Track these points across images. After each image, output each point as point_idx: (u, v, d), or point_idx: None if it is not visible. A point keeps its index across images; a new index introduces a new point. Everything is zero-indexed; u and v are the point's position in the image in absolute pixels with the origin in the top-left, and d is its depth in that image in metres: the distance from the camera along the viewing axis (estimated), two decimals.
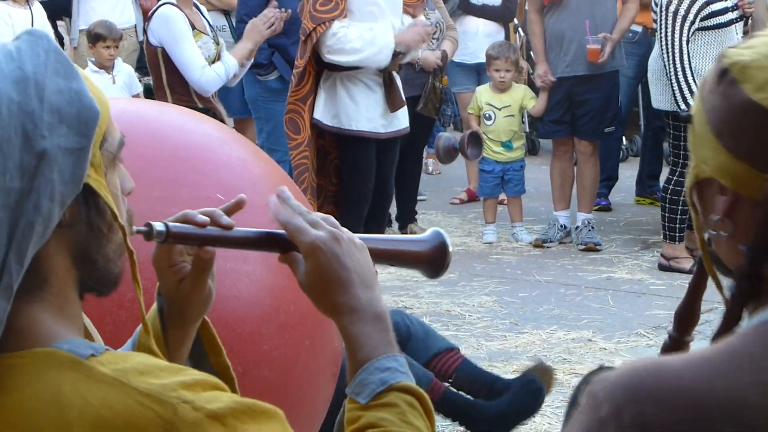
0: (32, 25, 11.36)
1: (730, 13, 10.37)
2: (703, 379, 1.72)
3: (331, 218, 2.34)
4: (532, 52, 12.92)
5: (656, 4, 10.65)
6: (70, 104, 1.96)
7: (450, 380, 6.98)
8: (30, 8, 12.15)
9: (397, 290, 10.07)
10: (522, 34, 14.09)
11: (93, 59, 11.30)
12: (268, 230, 2.38)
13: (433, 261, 2.38)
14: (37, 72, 1.97)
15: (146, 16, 13.66)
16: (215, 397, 1.94)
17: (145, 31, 10.65)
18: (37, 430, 1.92)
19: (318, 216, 2.33)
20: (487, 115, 11.44)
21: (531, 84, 13.09)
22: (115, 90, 10.81)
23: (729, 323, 1.88)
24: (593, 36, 11.01)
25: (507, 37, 13.50)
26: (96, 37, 11.38)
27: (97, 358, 1.95)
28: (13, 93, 1.92)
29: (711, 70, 1.96)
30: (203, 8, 9.73)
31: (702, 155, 1.91)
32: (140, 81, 12.70)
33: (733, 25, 10.47)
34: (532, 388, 6.95)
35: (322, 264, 2.24)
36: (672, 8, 10.38)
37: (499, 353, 8.33)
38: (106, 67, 11.11)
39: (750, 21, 11.18)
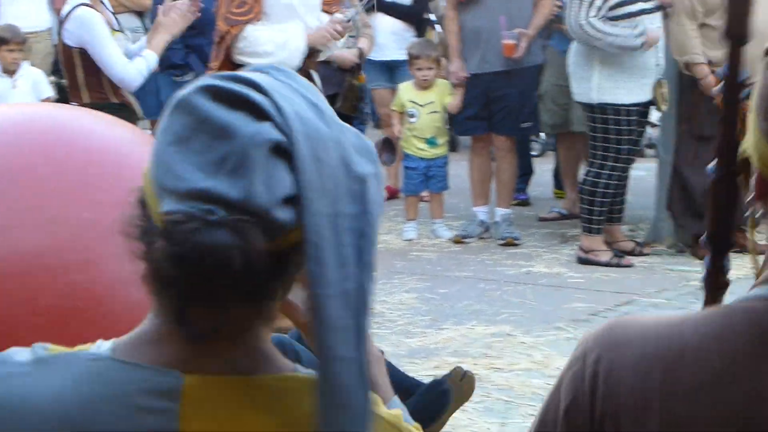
0: None
1: (640, 3, 10.36)
2: (677, 333, 1.88)
3: None
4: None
5: None
6: (362, 143, 2.00)
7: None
8: None
9: None
10: (439, 30, 13.85)
11: None
12: None
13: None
14: (322, 108, 1.99)
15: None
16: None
17: (59, 33, 10.24)
18: None
19: None
20: (410, 113, 11.42)
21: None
22: (17, 95, 10.82)
23: (711, 299, 2.04)
24: (508, 31, 10.91)
25: (421, 34, 13.36)
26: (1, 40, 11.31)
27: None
28: (320, 125, 1.96)
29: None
30: (109, 5, 9.56)
31: (749, 134, 1.89)
32: (58, 82, 12.34)
33: (645, 15, 10.39)
34: (438, 389, 6.79)
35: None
36: None
37: (419, 350, 8.23)
38: (10, 71, 11.04)
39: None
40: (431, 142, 11.41)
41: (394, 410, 2.20)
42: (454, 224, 11.79)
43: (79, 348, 2.00)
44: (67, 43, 9.30)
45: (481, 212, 11.44)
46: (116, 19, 9.57)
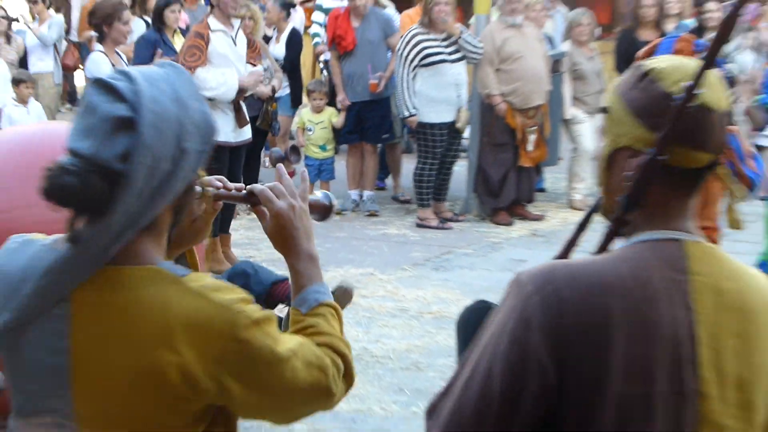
0: None
1: (443, 55, 11.46)
2: (598, 270, 2.21)
3: (293, 188, 2.66)
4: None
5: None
6: (202, 121, 2.36)
7: (287, 299, 6.37)
8: None
9: (244, 245, 10.74)
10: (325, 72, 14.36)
11: (14, 96, 11.38)
12: (248, 191, 2.73)
13: (330, 208, 2.88)
14: (186, 95, 2.34)
15: (65, 68, 15.73)
16: (253, 309, 2.33)
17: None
18: (144, 323, 2.25)
19: (283, 188, 2.65)
20: (308, 129, 12.57)
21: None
22: (29, 118, 11.05)
23: (602, 248, 2.37)
24: (372, 74, 12.13)
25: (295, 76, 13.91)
26: (18, 81, 11.53)
27: (188, 276, 2.32)
28: (173, 108, 2.29)
29: (627, 75, 2.35)
30: (124, 56, 9.90)
31: (619, 131, 2.29)
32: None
33: (443, 64, 11.53)
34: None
35: (280, 224, 2.60)
36: (399, 52, 11.65)
37: None
38: (24, 102, 11.30)
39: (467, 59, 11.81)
40: (322, 148, 12.60)
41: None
42: (339, 200, 11.47)
43: (40, 237, 2.46)
44: (87, 76, 9.88)
45: (353, 194, 12.64)
46: (125, 62, 9.72)
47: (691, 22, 12.80)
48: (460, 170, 12.76)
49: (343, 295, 7.22)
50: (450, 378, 2.22)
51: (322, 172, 12.67)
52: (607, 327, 2.12)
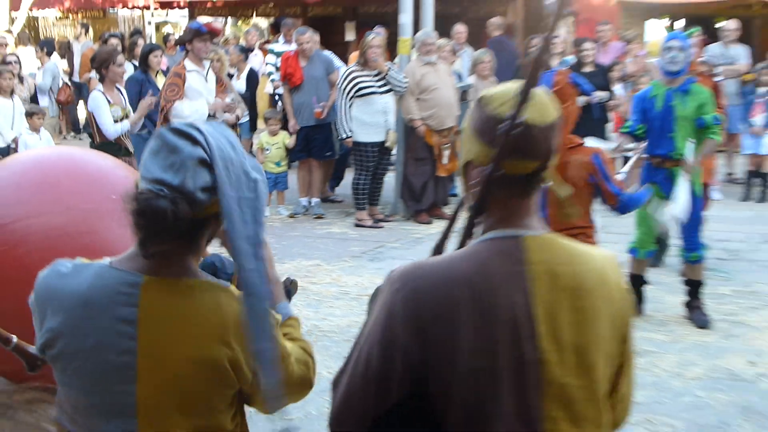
0: (13, 115, 11.16)
1: (374, 89, 11.41)
2: (448, 267, 2.23)
3: None
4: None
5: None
6: (253, 161, 2.40)
7: None
8: (12, 100, 11.29)
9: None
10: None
11: (28, 126, 11.05)
12: None
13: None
14: (235, 145, 2.35)
15: (59, 103, 16.03)
16: (275, 313, 2.39)
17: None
18: (206, 319, 2.29)
19: None
20: (266, 149, 12.50)
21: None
22: (41, 143, 10.85)
23: (460, 245, 2.37)
24: (317, 104, 12.06)
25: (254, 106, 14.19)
26: (31, 113, 11.29)
27: (231, 287, 2.39)
28: (232, 153, 2.31)
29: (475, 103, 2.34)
30: (124, 91, 9.82)
31: (467, 147, 2.30)
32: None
33: (374, 95, 11.44)
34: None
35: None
36: (339, 86, 11.58)
37: None
38: (37, 130, 11.02)
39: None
40: (278, 164, 12.45)
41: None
42: (289, 207, 12.54)
43: (96, 261, 2.40)
44: (88, 109, 9.84)
45: (303, 200, 12.46)
46: (124, 97, 9.74)
47: (571, 58, 13.21)
48: (389, 180, 12.68)
49: (292, 285, 7.27)
50: (347, 355, 2.30)
51: (277, 183, 12.52)
52: (455, 314, 2.15)
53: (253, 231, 2.25)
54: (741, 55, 14.82)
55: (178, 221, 2.19)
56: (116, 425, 2.31)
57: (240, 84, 13.62)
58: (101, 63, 9.71)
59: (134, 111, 9.83)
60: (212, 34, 10.28)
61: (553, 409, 2.17)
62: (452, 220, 2.50)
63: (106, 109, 9.28)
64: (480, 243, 2.24)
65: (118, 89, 9.75)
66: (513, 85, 2.27)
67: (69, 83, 17.34)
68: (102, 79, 9.68)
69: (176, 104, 9.67)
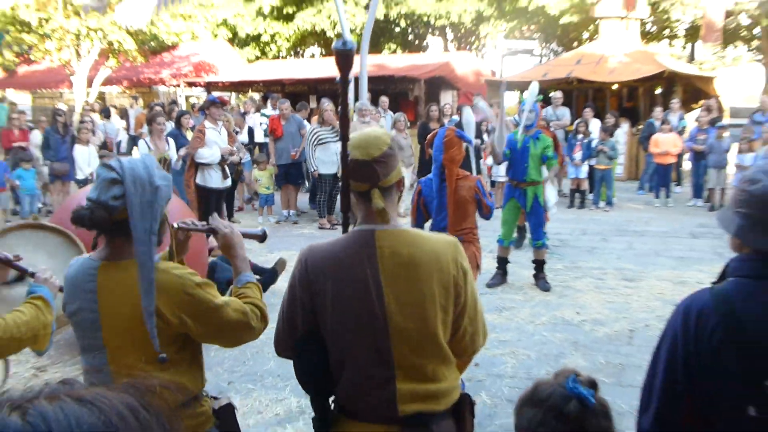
0: (89, 156, 11.15)
1: (329, 139, 11.24)
2: (327, 247, 2.26)
3: (231, 225, 2.58)
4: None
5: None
6: (163, 174, 2.30)
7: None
8: (88, 146, 11.38)
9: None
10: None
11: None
12: (210, 227, 2.56)
13: (264, 236, 2.64)
14: (150, 165, 2.26)
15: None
16: (197, 278, 2.33)
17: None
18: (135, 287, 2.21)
19: (227, 224, 2.57)
20: (258, 179, 12.27)
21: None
22: None
23: (344, 231, 2.39)
24: (292, 149, 12.05)
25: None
26: (102, 156, 10.69)
27: (161, 263, 2.31)
28: (142, 172, 2.23)
29: None
30: (166, 142, 9.69)
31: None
32: None
33: (330, 143, 11.25)
34: (273, 269, 7.42)
35: (227, 241, 2.50)
36: (307, 138, 11.38)
37: (265, 262, 8.38)
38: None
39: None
40: (267, 188, 12.18)
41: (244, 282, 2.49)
42: (275, 216, 12.22)
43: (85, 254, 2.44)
44: (138, 153, 9.26)
45: (284, 212, 12.19)
46: (168, 145, 9.63)
47: (456, 118, 13.13)
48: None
49: (281, 264, 7.41)
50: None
51: (267, 201, 12.33)
52: (327, 276, 2.20)
53: (148, 223, 2.21)
54: (565, 114, 15.11)
55: (97, 222, 2.23)
56: (95, 357, 2.33)
57: (242, 137, 13.34)
58: (149, 121, 9.78)
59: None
60: (222, 103, 10.47)
61: (398, 345, 2.16)
62: (344, 221, 2.55)
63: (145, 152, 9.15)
64: (351, 232, 2.28)
65: (165, 138, 9.77)
66: (363, 134, 2.30)
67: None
68: (150, 132, 9.70)
69: (199, 150, 9.71)
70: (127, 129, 17.02)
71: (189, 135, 10.69)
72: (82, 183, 11.40)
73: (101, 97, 23.93)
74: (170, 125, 11.56)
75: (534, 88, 7.87)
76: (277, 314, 2.36)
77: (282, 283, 7.28)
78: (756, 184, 1.91)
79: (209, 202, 9.73)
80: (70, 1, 18.23)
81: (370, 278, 2.15)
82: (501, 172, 11.15)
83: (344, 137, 2.35)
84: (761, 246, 1.91)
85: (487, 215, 5.35)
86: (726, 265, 2.02)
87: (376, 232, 2.21)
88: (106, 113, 16.90)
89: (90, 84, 20.90)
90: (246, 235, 2.63)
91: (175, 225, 2.56)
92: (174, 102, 16.19)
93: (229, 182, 10.18)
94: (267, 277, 7.13)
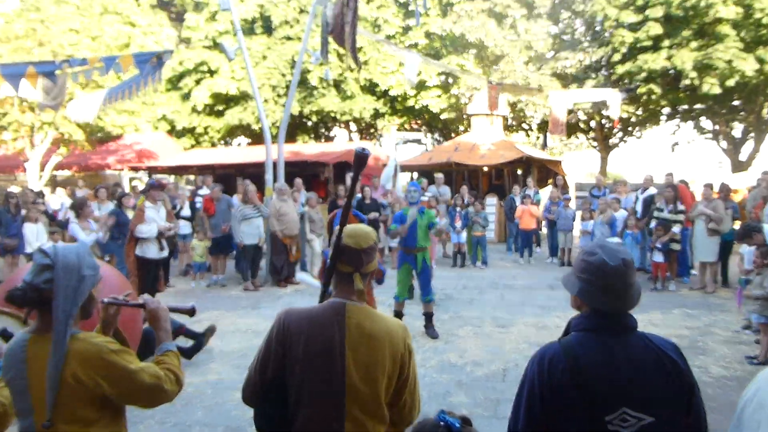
0: (37, 233, 10.23)
1: (252, 215, 10.88)
2: (305, 312, 2.19)
3: (159, 301, 2.43)
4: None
5: None
6: (92, 264, 2.20)
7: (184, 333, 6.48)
8: (36, 224, 10.43)
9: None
10: None
11: (47, 239, 9.94)
12: (136, 302, 2.43)
13: (193, 311, 2.49)
14: (83, 254, 2.20)
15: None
16: (115, 345, 2.17)
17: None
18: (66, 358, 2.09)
19: (155, 300, 2.43)
20: (195, 248, 11.87)
21: None
22: None
23: (320, 301, 2.32)
24: (224, 223, 11.54)
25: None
26: (52, 232, 10.36)
27: (79, 334, 2.16)
28: (74, 260, 2.16)
29: None
30: (94, 224, 9.20)
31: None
32: None
33: (253, 219, 10.86)
34: (200, 336, 6.70)
35: (154, 315, 2.38)
36: (234, 213, 10.96)
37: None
38: (55, 242, 9.21)
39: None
40: (201, 257, 11.62)
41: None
42: (207, 280, 11.60)
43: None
44: (69, 234, 9.19)
45: (214, 277, 11.55)
46: (94, 227, 9.19)
47: (359, 196, 13.11)
48: (262, 263, 12.08)
49: (210, 330, 6.87)
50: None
51: (201, 267, 11.81)
52: (299, 334, 2.15)
53: (69, 307, 2.12)
54: (446, 192, 15.28)
55: (28, 302, 2.14)
56: (26, 419, 2.18)
57: (185, 212, 12.62)
58: (79, 206, 9.36)
59: (114, 232, 9.36)
60: (161, 186, 9.99)
61: (351, 401, 2.13)
62: (325, 286, 2.43)
63: (80, 230, 9.02)
64: (327, 302, 2.25)
65: (89, 221, 9.38)
66: (351, 226, 2.31)
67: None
68: (78, 216, 9.31)
69: (138, 226, 9.14)
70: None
71: (130, 213, 10.20)
72: (30, 256, 10.66)
73: (53, 180, 22.87)
74: (112, 205, 11.02)
75: (391, 162, 7.97)
76: (249, 367, 2.30)
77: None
78: (593, 255, 2.00)
79: (147, 271, 9.23)
80: (25, 98, 17.53)
81: (337, 340, 2.14)
82: (395, 240, 11.13)
83: (342, 224, 2.31)
84: (597, 305, 1.98)
85: (378, 279, 5.27)
86: (569, 322, 2.07)
87: (347, 305, 2.22)
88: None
89: (42, 168, 19.98)
90: (176, 310, 2.52)
91: (105, 300, 2.39)
92: (117, 184, 15.54)
93: (165, 253, 9.62)
94: (193, 346, 6.61)
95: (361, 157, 2.47)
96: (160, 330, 2.43)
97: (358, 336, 2.19)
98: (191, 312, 2.56)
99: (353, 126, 31.31)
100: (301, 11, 25.08)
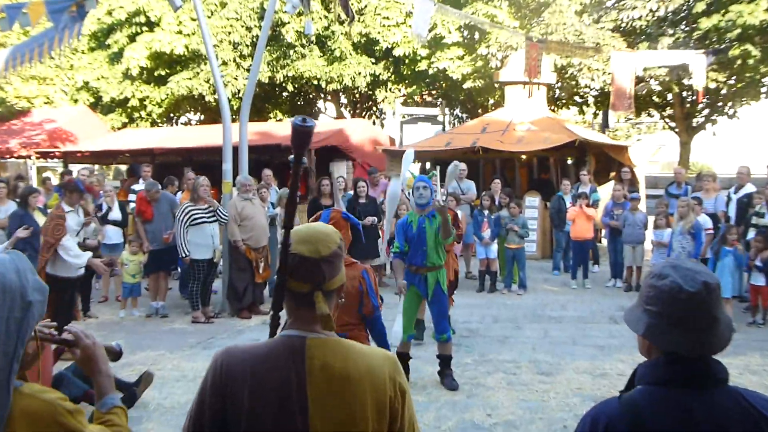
0: None
1: (204, 218, 11.00)
2: (248, 352, 2.23)
3: (93, 336, 2.50)
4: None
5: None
6: (39, 285, 2.24)
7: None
8: None
9: None
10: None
11: None
12: (64, 338, 2.47)
13: (120, 354, 2.64)
14: (23, 269, 2.21)
15: None
16: (68, 404, 2.25)
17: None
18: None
19: (88, 334, 2.50)
20: (126, 264, 11.91)
21: None
22: None
23: (270, 336, 2.38)
24: (165, 232, 11.76)
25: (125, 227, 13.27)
26: None
27: (23, 387, 2.23)
28: (15, 280, 2.16)
29: None
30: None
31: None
32: None
33: (206, 224, 11.04)
34: (132, 388, 6.90)
35: (89, 354, 2.45)
36: (178, 217, 11.07)
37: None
38: None
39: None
40: (134, 276, 11.66)
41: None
42: (141, 309, 11.78)
43: None
44: None
45: (155, 304, 11.71)
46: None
47: (350, 193, 13.27)
48: (218, 285, 12.32)
49: (146, 379, 7.07)
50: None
51: (133, 291, 11.85)
52: (242, 387, 2.16)
53: (12, 347, 2.13)
54: (471, 188, 15.39)
55: None
56: None
57: (116, 214, 12.72)
58: None
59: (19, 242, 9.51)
60: (91, 193, 10.39)
61: None
62: (274, 318, 2.45)
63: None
64: (278, 337, 2.25)
65: None
66: (313, 227, 2.34)
67: None
68: None
69: (64, 242, 9.27)
70: None
71: (39, 216, 10.33)
72: None
73: None
74: (14, 205, 11.09)
75: (408, 155, 7.92)
76: (182, 427, 2.34)
77: None
78: (664, 279, 2.00)
79: (60, 294, 9.26)
80: None
81: (294, 393, 2.15)
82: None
83: (288, 225, 2.33)
84: (671, 347, 1.97)
85: (369, 317, 5.17)
86: (635, 371, 2.06)
87: (307, 341, 2.21)
88: None
89: None
90: (108, 350, 2.62)
91: None
92: (20, 177, 15.65)
93: (82, 270, 9.70)
94: (126, 398, 6.76)
95: (301, 131, 2.36)
96: (99, 374, 2.47)
97: (325, 381, 2.18)
98: (117, 355, 2.61)
99: (343, 98, 31.42)
100: None
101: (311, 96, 31.33)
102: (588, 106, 28.76)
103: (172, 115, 30.65)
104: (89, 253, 9.54)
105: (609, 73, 19.53)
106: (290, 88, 27.56)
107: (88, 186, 10.15)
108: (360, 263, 5.29)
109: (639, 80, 20.83)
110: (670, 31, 22.09)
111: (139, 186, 14.25)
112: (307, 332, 2.23)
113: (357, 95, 30.10)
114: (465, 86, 25.23)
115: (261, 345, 2.26)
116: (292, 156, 2.41)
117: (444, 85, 28.04)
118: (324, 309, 2.19)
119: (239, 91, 24.19)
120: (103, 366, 2.47)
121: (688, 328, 1.96)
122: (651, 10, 22.14)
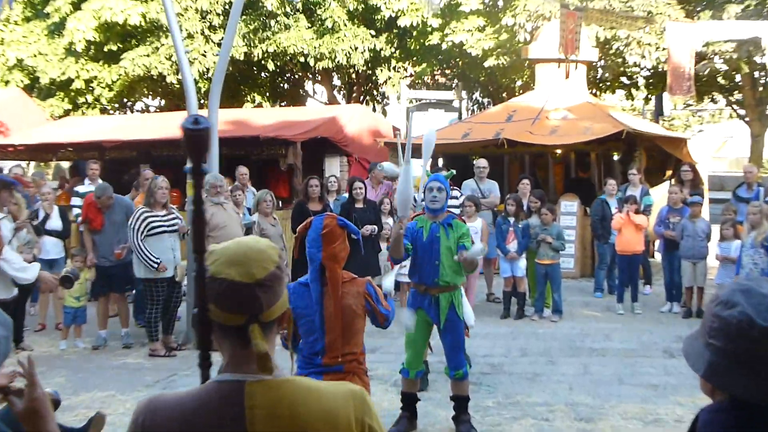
0: None
1: (164, 227, 10.98)
2: (175, 403, 2.23)
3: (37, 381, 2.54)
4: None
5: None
6: (3, 320, 2.44)
7: None
8: None
9: None
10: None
11: None
12: (15, 386, 2.55)
13: (58, 403, 2.73)
14: None
15: None
16: None
17: None
18: None
19: (37, 380, 2.53)
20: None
21: None
22: None
23: (203, 382, 2.34)
24: (117, 246, 11.76)
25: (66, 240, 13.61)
26: None
27: None
28: None
29: None
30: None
31: None
32: None
33: (166, 233, 11.04)
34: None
35: (35, 408, 2.48)
36: (131, 225, 10.92)
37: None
38: None
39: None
40: (78, 299, 11.58)
41: None
42: (87, 340, 11.76)
43: None
44: None
45: (103, 333, 11.73)
46: None
47: (345, 195, 13.29)
48: (182, 310, 12.16)
49: (97, 422, 6.91)
50: None
51: (76, 318, 11.79)
52: None
53: None
54: (494, 189, 15.38)
55: None
56: None
57: (56, 223, 12.88)
58: None
59: None
60: (23, 185, 10.65)
61: None
62: (203, 356, 2.40)
63: None
64: (210, 383, 2.23)
65: None
66: (244, 243, 2.31)
67: None
68: None
69: (6, 253, 9.36)
70: None
71: None
72: None
73: None
74: None
75: (430, 138, 7.69)
76: None
77: None
78: (732, 308, 1.97)
79: None
80: None
81: None
82: (406, 270, 11.02)
83: (199, 249, 2.26)
84: (739, 392, 1.95)
85: (383, 324, 5.46)
86: (696, 417, 2.06)
87: (246, 386, 2.18)
88: None
89: None
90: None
91: None
92: None
93: (16, 291, 9.74)
94: None
95: (192, 135, 2.24)
96: (48, 427, 2.50)
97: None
98: (55, 404, 2.70)
99: (337, 79, 31.42)
100: None
101: (297, 76, 31.42)
102: (637, 89, 28.86)
103: (125, 100, 30.78)
104: (37, 265, 9.55)
105: (663, 49, 19.51)
106: (271, 66, 27.57)
107: (17, 177, 10.05)
108: (359, 278, 5.38)
109: (700, 58, 20.76)
110: None
111: (85, 188, 14.23)
112: (245, 375, 2.21)
113: (353, 75, 30.14)
114: (486, 65, 25.21)
115: (191, 394, 2.25)
116: (187, 166, 2.32)
117: (461, 63, 28.08)
118: (262, 346, 2.15)
119: (208, 70, 24.26)
120: (51, 425, 2.48)
121: (757, 371, 1.94)
122: None
